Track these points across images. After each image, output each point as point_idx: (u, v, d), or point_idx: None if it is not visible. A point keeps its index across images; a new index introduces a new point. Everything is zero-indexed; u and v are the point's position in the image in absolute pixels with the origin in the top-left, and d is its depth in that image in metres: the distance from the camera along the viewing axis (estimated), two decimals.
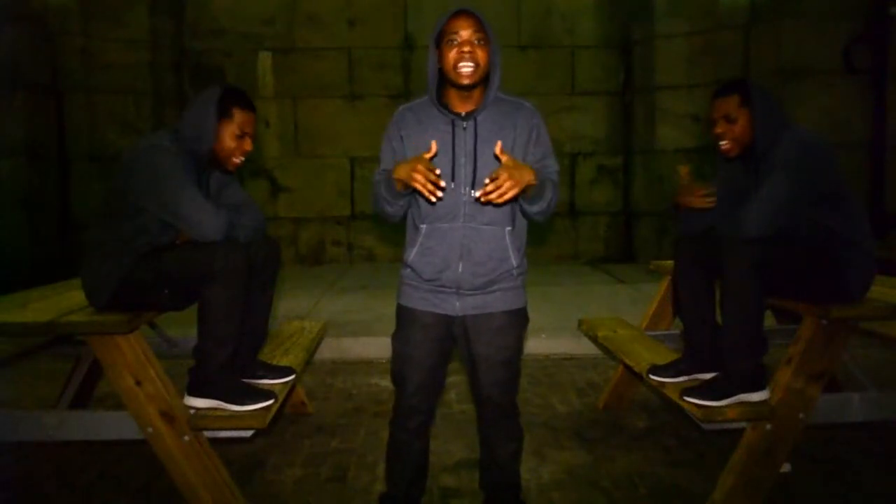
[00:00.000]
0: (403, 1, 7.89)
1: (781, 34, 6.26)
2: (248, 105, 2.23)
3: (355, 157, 8.03)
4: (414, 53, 7.89)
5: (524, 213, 1.89)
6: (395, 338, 2.00)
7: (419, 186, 1.65)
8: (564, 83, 8.01)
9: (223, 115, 2.16)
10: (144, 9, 7.03)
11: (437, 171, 1.68)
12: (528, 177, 1.67)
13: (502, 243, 1.88)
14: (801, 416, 2.14)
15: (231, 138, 2.18)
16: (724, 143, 2.23)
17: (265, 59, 7.87)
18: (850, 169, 6.08)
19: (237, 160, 2.23)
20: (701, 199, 2.34)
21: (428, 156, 1.71)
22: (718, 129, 2.23)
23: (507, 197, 1.63)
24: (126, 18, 6.89)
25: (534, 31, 7.95)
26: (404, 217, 1.97)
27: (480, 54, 1.79)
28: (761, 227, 2.07)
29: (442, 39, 1.83)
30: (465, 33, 1.79)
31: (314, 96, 7.94)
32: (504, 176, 1.62)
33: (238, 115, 2.18)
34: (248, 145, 2.22)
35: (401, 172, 1.72)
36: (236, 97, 2.20)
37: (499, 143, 1.70)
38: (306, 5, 7.85)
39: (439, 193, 1.67)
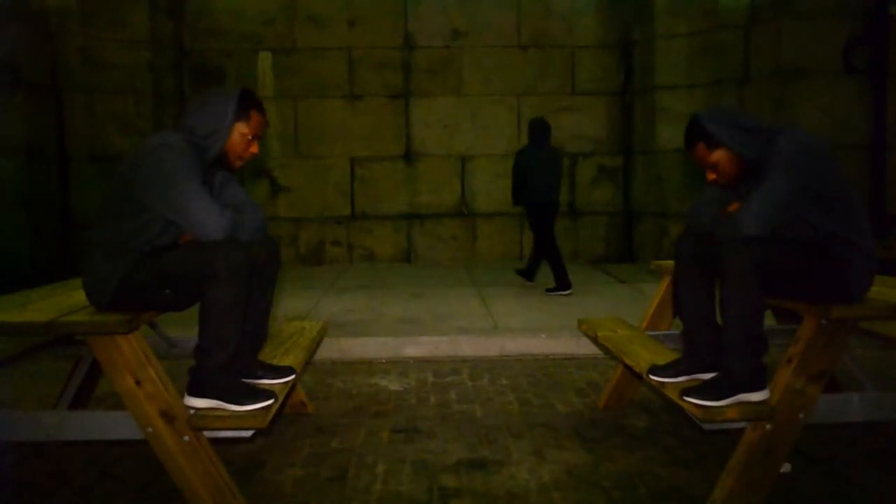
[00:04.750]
0: (403, 1, 7.89)
1: (781, 34, 6.26)
2: (263, 109, 2.30)
3: (355, 157, 8.04)
4: (414, 53, 7.88)
5: None
6: None
7: None
8: (564, 83, 8.01)
9: (241, 115, 2.21)
10: (144, 9, 7.04)
11: None
12: None
13: None
14: (801, 416, 2.14)
15: (243, 139, 2.23)
16: (721, 184, 2.28)
17: (265, 59, 7.88)
18: (850, 169, 6.09)
19: (243, 161, 2.28)
20: None
21: None
22: (710, 177, 2.27)
23: None
24: (126, 18, 6.90)
25: (534, 31, 7.96)
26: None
27: None
28: (759, 227, 2.07)
29: None
30: None
31: (314, 96, 7.94)
32: None
33: (255, 118, 2.24)
34: (255, 148, 2.29)
35: None
36: (254, 100, 2.26)
37: None
38: (306, 5, 7.86)
39: None
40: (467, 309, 5.20)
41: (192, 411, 2.07)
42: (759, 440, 2.11)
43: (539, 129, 5.85)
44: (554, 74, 8.00)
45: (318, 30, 7.89)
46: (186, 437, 2.07)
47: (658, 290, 3.16)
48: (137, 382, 2.07)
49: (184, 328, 3.00)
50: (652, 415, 3.11)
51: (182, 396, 2.11)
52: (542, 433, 2.89)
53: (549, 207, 5.90)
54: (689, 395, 2.08)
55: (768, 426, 2.10)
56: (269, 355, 2.54)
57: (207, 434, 2.13)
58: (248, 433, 2.13)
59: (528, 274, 6.30)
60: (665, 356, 2.50)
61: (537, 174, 5.77)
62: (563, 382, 3.64)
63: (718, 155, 2.20)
